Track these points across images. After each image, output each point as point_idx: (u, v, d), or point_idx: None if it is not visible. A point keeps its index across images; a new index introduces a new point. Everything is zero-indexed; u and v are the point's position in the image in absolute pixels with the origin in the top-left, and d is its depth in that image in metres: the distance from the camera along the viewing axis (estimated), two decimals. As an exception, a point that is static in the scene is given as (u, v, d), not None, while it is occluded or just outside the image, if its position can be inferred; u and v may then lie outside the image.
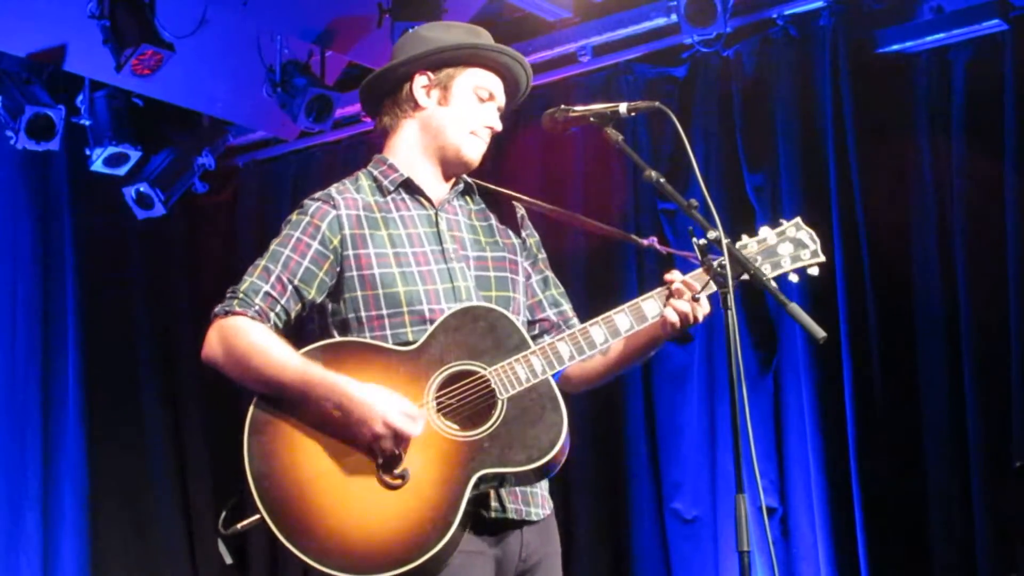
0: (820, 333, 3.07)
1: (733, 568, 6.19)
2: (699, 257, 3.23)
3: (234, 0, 6.43)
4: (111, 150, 7.25)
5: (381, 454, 3.06)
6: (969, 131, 5.89)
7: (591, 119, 3.34)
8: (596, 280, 6.57)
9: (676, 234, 6.66)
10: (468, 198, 3.47)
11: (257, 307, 3.20)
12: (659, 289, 3.30)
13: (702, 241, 3.18)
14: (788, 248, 3.40)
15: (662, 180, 3.23)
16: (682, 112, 6.57)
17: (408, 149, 3.39)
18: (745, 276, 3.18)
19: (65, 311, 7.53)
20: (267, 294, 3.21)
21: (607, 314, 3.25)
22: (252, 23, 6.81)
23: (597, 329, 3.23)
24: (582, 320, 3.33)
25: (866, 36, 6.15)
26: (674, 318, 3.24)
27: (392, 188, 3.34)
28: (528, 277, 3.47)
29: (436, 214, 3.35)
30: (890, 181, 6.08)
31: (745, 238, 3.34)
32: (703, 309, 3.26)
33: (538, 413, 3.13)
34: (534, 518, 3.27)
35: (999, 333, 5.70)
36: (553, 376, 3.18)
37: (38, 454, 7.31)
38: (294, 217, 3.32)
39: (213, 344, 3.22)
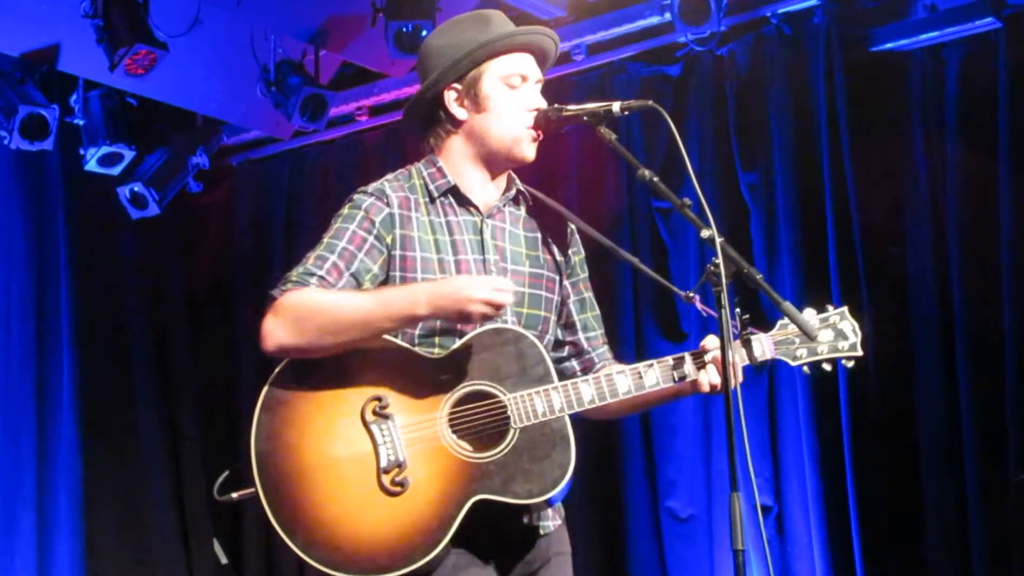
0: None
1: (728, 567, 6.18)
2: (738, 330, 3.21)
3: (228, -1, 6.43)
4: (105, 150, 7.25)
5: (481, 322, 3.09)
6: (963, 129, 5.90)
7: (584, 118, 3.33)
8: (591, 277, 6.58)
9: (671, 232, 6.66)
10: (519, 205, 3.43)
11: (313, 286, 3.09)
12: (693, 351, 3.27)
13: (745, 316, 3.19)
14: (828, 335, 3.34)
15: (655, 179, 3.23)
16: (676, 111, 6.57)
17: (457, 158, 3.32)
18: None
19: (59, 311, 7.52)
20: (322, 278, 3.10)
21: (636, 366, 3.26)
22: (246, 22, 6.80)
23: (623, 379, 3.23)
24: (613, 348, 3.39)
25: (860, 34, 6.15)
26: (706, 389, 3.25)
27: (438, 194, 3.28)
28: (566, 297, 3.44)
29: (482, 222, 3.31)
30: (884, 179, 6.08)
31: (785, 319, 3.26)
32: (737, 379, 3.14)
33: (547, 450, 3.15)
34: (541, 532, 3.29)
35: (993, 329, 5.71)
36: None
37: (32, 455, 7.30)
38: (346, 211, 3.23)
39: (275, 324, 3.06)
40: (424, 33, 6.11)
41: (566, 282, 3.45)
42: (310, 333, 3.04)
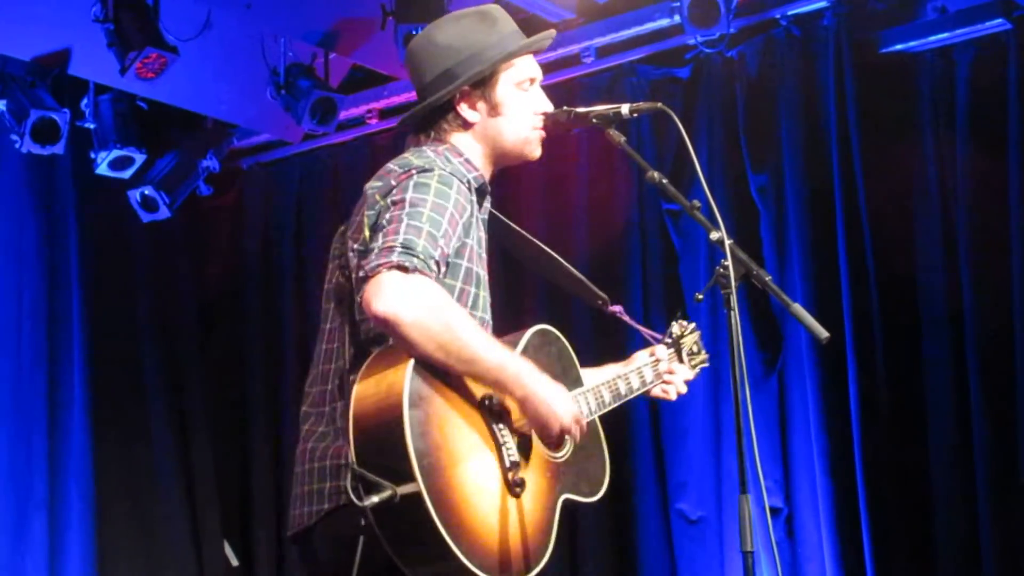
0: (823, 333, 3.08)
1: (739, 569, 6.17)
2: (670, 339, 3.76)
3: (238, 3, 6.43)
4: (116, 153, 7.25)
5: (544, 441, 3.11)
6: (973, 131, 5.89)
7: (593, 120, 3.33)
8: (601, 283, 6.57)
9: (680, 234, 6.66)
10: None
11: (434, 274, 2.91)
12: (649, 358, 3.68)
13: (676, 328, 3.78)
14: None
15: (664, 181, 3.23)
16: (686, 113, 6.57)
17: (473, 155, 3.27)
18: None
19: (71, 314, 7.53)
20: (437, 263, 2.92)
21: (625, 371, 3.56)
22: (256, 26, 6.81)
23: (622, 383, 3.50)
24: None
25: (870, 36, 6.14)
26: (664, 397, 3.72)
27: (476, 185, 3.22)
28: None
29: (486, 221, 3.32)
30: (894, 181, 6.07)
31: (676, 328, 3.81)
32: (684, 386, 3.74)
33: (591, 450, 3.29)
34: None
35: (1004, 331, 5.70)
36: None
37: (44, 457, 7.31)
38: (435, 184, 3.02)
39: (401, 297, 2.82)
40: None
41: None
42: (428, 337, 2.84)
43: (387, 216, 2.96)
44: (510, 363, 2.98)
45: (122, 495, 7.67)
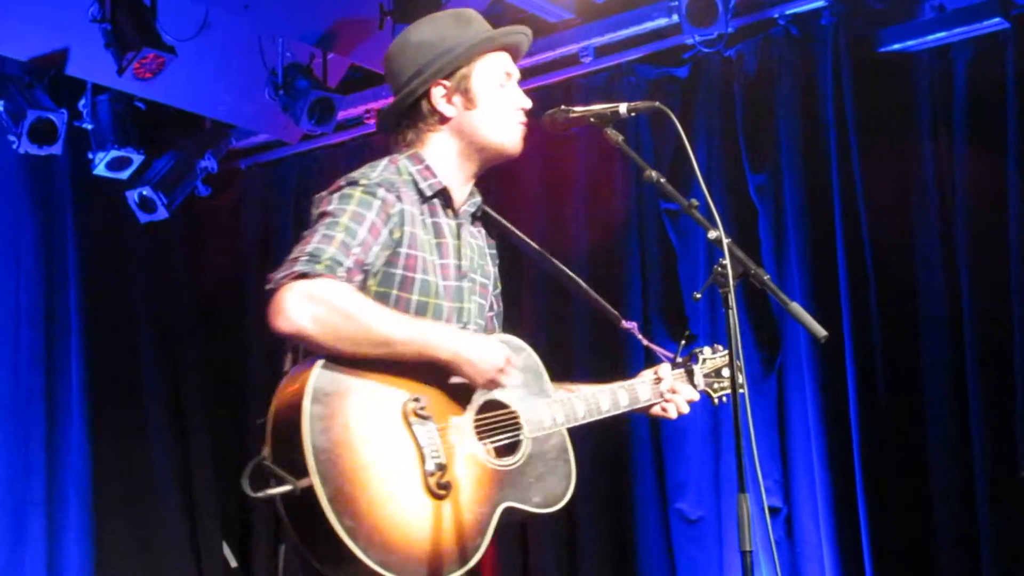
0: (821, 332, 3.08)
1: (738, 568, 6.17)
2: (676, 360, 3.68)
3: (235, 3, 6.43)
4: (114, 154, 7.26)
5: (487, 386, 3.10)
6: (971, 130, 5.89)
7: (591, 120, 3.34)
8: (600, 283, 6.58)
9: (679, 234, 6.66)
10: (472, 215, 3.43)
11: (342, 277, 2.97)
12: (651, 376, 3.61)
13: (696, 350, 3.70)
14: (708, 375, 3.76)
15: (662, 180, 3.23)
16: (684, 112, 6.57)
17: (442, 156, 3.29)
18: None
19: (68, 315, 7.53)
20: (348, 270, 2.98)
21: (612, 387, 3.48)
22: (253, 26, 6.81)
23: (605, 398, 3.43)
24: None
25: (867, 35, 6.14)
26: (663, 415, 3.63)
27: (430, 193, 3.24)
28: (490, 309, 3.46)
29: (457, 226, 3.30)
30: (892, 180, 6.07)
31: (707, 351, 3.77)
32: (687, 406, 3.65)
33: (553, 462, 3.23)
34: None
35: (1002, 331, 5.70)
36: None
37: (42, 458, 7.31)
38: (359, 194, 3.10)
39: (301, 308, 2.89)
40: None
41: (491, 295, 3.46)
42: (334, 335, 2.91)
43: (308, 230, 3.06)
44: (427, 330, 3.02)
45: (120, 495, 7.67)
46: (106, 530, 7.53)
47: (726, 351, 3.64)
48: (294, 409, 2.87)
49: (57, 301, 7.51)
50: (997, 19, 5.78)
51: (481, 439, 3.12)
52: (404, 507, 2.94)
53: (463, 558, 2.99)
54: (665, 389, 3.57)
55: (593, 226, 6.86)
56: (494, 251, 3.49)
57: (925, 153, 6.01)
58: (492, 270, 3.45)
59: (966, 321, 5.81)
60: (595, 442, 6.60)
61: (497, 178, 3.44)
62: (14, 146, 6.84)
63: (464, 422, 3.10)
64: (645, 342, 3.71)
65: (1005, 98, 5.78)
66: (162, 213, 7.53)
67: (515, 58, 3.39)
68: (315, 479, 2.81)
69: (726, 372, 3.72)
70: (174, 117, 7.44)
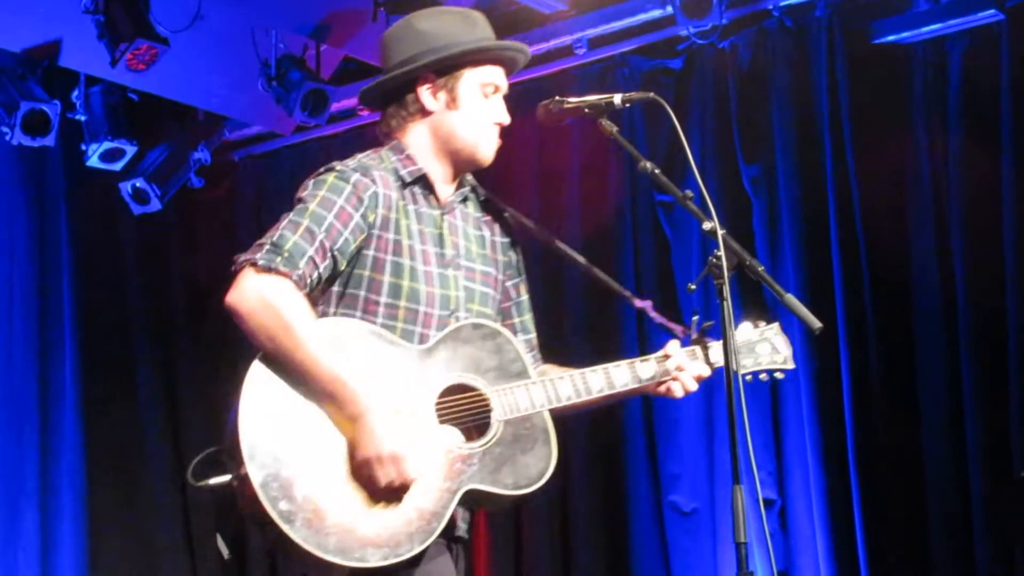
0: (816, 324, 3.09)
1: (732, 560, 6.18)
2: (692, 336, 3.43)
3: (229, -6, 6.43)
4: (107, 145, 7.23)
5: (370, 476, 3.02)
6: (966, 122, 5.89)
7: (585, 110, 3.34)
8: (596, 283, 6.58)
9: (673, 225, 6.65)
10: (470, 204, 3.45)
11: (300, 272, 3.09)
12: (658, 354, 3.40)
13: (707, 323, 3.38)
14: (766, 348, 3.52)
15: (657, 171, 3.24)
16: (678, 104, 6.56)
17: (419, 149, 3.34)
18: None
19: (62, 307, 7.52)
20: (311, 259, 3.10)
21: (607, 366, 3.34)
22: (247, 17, 6.80)
23: (596, 377, 3.31)
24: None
25: (862, 27, 6.14)
26: (669, 394, 3.43)
27: (410, 180, 3.30)
28: (507, 298, 3.47)
29: (441, 216, 3.33)
30: (887, 172, 6.07)
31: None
32: (694, 383, 3.44)
33: (531, 443, 3.18)
34: (466, 536, 3.29)
35: (997, 322, 5.70)
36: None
37: (36, 450, 7.31)
38: (331, 180, 3.22)
39: (249, 297, 3.11)
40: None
41: (508, 284, 3.47)
42: (264, 331, 3.07)
43: (283, 213, 3.17)
44: (350, 381, 3.02)
45: (114, 488, 7.66)
46: (99, 522, 7.52)
47: (770, 326, 3.55)
48: (234, 399, 3.06)
49: (50, 293, 7.50)
50: (992, 11, 5.78)
51: (443, 423, 3.12)
52: (346, 492, 2.99)
53: (411, 542, 3.01)
54: (673, 367, 3.39)
55: (587, 217, 6.85)
56: (507, 239, 3.48)
57: (920, 145, 6.01)
58: (501, 259, 3.45)
59: (960, 312, 5.81)
60: (588, 434, 6.60)
61: (491, 168, 3.43)
62: (7, 137, 6.81)
63: (422, 406, 3.11)
64: (658, 319, 3.64)
65: (999, 90, 5.78)
66: (155, 205, 7.51)
67: (508, 73, 3.42)
68: (248, 468, 2.95)
69: (762, 348, 3.52)
70: (167, 109, 7.42)
